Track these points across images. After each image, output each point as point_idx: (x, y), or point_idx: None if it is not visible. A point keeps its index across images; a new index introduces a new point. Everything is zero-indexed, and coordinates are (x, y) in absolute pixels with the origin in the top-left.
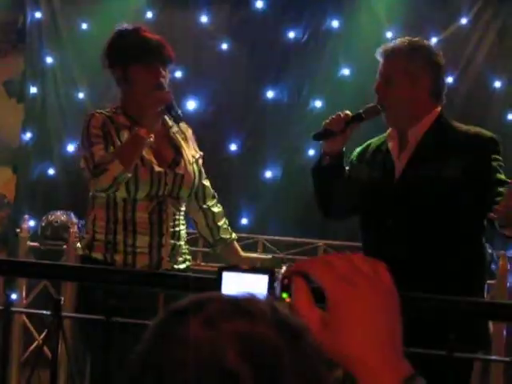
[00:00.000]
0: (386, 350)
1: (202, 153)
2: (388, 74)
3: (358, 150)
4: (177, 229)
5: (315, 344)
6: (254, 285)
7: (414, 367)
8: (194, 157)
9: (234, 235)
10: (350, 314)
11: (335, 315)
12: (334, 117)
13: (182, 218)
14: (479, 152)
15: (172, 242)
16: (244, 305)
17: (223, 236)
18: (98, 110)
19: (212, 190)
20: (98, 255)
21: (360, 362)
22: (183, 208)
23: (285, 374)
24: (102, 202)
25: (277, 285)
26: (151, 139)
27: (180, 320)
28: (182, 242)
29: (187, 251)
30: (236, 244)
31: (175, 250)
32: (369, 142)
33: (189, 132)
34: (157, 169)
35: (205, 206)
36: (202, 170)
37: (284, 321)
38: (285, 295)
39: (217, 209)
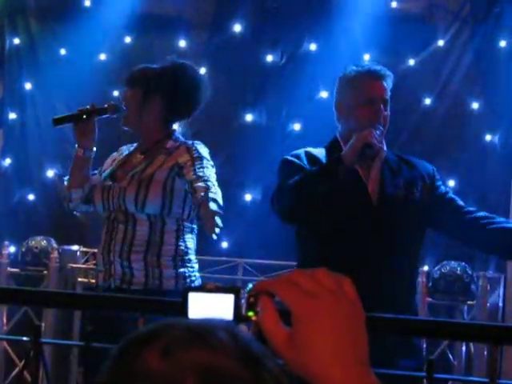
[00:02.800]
0: (351, 365)
1: (189, 158)
2: (386, 96)
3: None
4: (133, 246)
5: (277, 369)
6: (220, 304)
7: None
8: (159, 173)
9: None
10: (315, 330)
11: (300, 331)
12: None
13: (153, 238)
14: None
15: (119, 259)
16: (203, 333)
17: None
18: None
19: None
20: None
21: (325, 377)
22: (152, 226)
23: None
24: None
25: (243, 304)
26: (76, 152)
27: (137, 350)
28: (141, 263)
29: (166, 272)
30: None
31: (126, 268)
32: (306, 150)
33: (181, 150)
34: (107, 183)
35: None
36: (191, 176)
37: (245, 349)
38: (251, 313)
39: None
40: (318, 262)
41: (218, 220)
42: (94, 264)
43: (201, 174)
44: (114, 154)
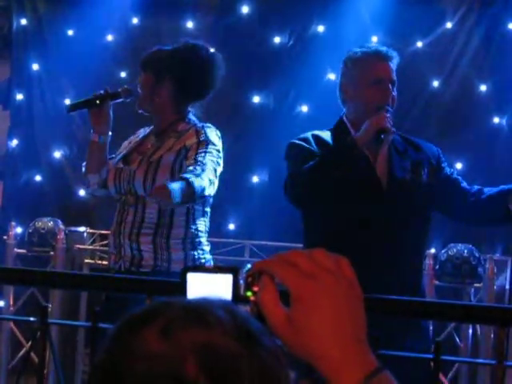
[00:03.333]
0: (350, 344)
1: (197, 141)
2: (393, 77)
3: (310, 138)
4: (142, 228)
5: (274, 347)
6: (219, 284)
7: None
8: (167, 156)
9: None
10: (314, 309)
11: (299, 311)
12: None
13: (165, 220)
14: None
15: (128, 241)
16: (201, 312)
17: None
18: None
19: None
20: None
21: (324, 357)
22: (149, 209)
23: (244, 382)
24: None
25: (241, 283)
26: (92, 137)
27: (136, 330)
28: (150, 245)
29: (174, 254)
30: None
31: (135, 251)
32: (313, 133)
33: (191, 132)
34: (120, 165)
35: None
36: (184, 164)
37: (243, 327)
38: (249, 293)
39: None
40: (328, 244)
41: (165, 193)
42: (107, 245)
43: (200, 158)
44: (132, 137)
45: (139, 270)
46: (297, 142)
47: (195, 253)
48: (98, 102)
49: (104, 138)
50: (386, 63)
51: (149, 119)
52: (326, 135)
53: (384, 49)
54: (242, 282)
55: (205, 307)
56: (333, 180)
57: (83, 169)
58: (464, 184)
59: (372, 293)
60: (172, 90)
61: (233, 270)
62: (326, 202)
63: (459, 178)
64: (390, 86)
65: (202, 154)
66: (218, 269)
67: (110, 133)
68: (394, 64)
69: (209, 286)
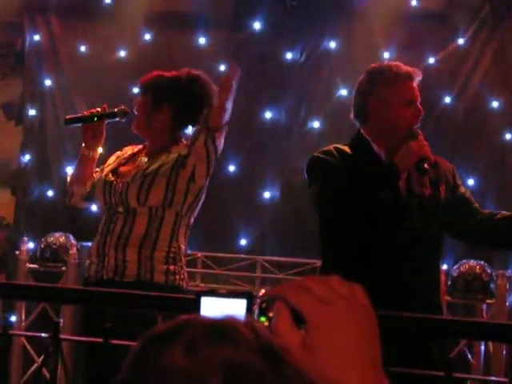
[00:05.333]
0: (365, 371)
1: (183, 153)
2: (418, 95)
3: (334, 152)
4: (130, 240)
5: (298, 366)
6: (233, 309)
7: None
8: (164, 166)
9: None
10: (330, 335)
11: (315, 337)
12: None
13: (150, 233)
14: None
15: (114, 252)
16: (225, 328)
17: None
18: None
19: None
20: None
21: (342, 382)
22: (151, 222)
23: None
24: None
25: (255, 309)
26: (81, 152)
27: (160, 347)
28: (135, 255)
29: (158, 266)
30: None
31: (120, 261)
32: (335, 146)
33: (185, 148)
34: (110, 178)
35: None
36: (181, 173)
37: (266, 344)
38: (263, 319)
39: None
40: (351, 260)
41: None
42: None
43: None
44: (118, 153)
45: (122, 280)
46: (321, 156)
47: (175, 267)
48: (95, 119)
49: (94, 153)
50: (412, 83)
51: (135, 138)
52: (346, 149)
53: (409, 69)
54: (256, 307)
55: (229, 324)
56: (378, 202)
57: (68, 179)
58: (476, 205)
59: (389, 310)
60: (169, 117)
61: (247, 295)
62: (358, 220)
63: (472, 198)
64: (419, 105)
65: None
66: (231, 293)
67: (101, 149)
68: (416, 82)
69: (222, 311)
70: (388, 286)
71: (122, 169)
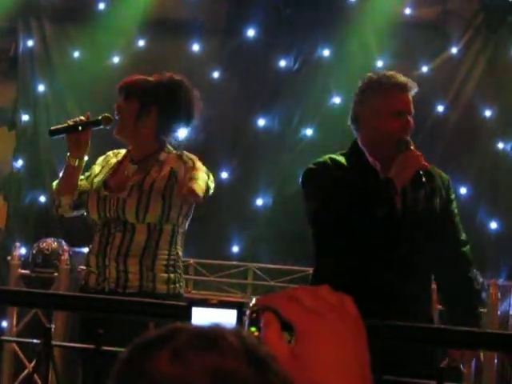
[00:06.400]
0: (355, 381)
1: (176, 167)
2: (412, 109)
3: (328, 163)
4: (130, 251)
5: (285, 374)
6: (223, 319)
7: None
8: (158, 182)
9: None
10: (319, 345)
11: (303, 347)
12: None
13: (149, 244)
14: None
15: (115, 263)
16: (212, 336)
17: None
18: None
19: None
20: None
21: None
22: (150, 235)
23: None
24: None
25: (245, 319)
26: (68, 161)
27: (147, 354)
28: (136, 266)
29: (159, 275)
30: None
31: (121, 272)
32: (330, 157)
33: (176, 159)
34: (103, 193)
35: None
36: (176, 187)
37: (253, 352)
38: (253, 329)
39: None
40: (343, 270)
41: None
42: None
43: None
44: (101, 159)
45: (125, 291)
46: (317, 168)
47: (175, 275)
48: (80, 128)
49: (80, 162)
50: (406, 94)
51: (116, 143)
52: (342, 159)
53: (405, 80)
54: (246, 317)
55: (216, 332)
56: (375, 219)
57: (54, 188)
58: (460, 237)
59: (383, 319)
60: (157, 120)
61: (237, 305)
62: (353, 234)
63: (458, 223)
64: (409, 118)
65: (194, 174)
66: (222, 304)
67: (86, 157)
68: (412, 94)
69: (213, 321)
70: (381, 295)
71: (112, 181)
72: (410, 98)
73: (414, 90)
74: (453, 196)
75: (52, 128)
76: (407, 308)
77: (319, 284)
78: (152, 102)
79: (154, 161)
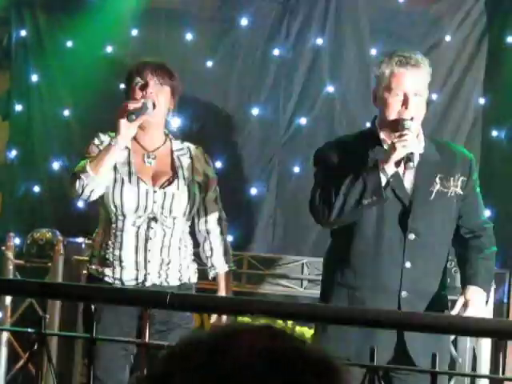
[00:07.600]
0: None
1: (213, 175)
2: (417, 85)
3: (333, 147)
4: (171, 246)
5: None
6: None
7: None
8: (194, 179)
9: (226, 267)
10: None
11: None
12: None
13: (183, 236)
14: None
15: (160, 258)
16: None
17: (215, 264)
18: None
19: (217, 215)
20: (93, 270)
21: None
22: (183, 227)
23: None
24: (101, 217)
25: None
26: (119, 145)
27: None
28: (178, 260)
29: (190, 269)
30: (223, 279)
31: (165, 267)
32: (340, 137)
33: (197, 154)
34: (144, 186)
35: (203, 228)
36: (211, 194)
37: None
38: None
39: (216, 235)
40: (355, 255)
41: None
42: (118, 259)
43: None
44: (96, 142)
45: (168, 284)
46: (320, 153)
47: (195, 265)
48: (149, 107)
49: (124, 148)
50: (406, 72)
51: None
52: (354, 140)
53: (407, 55)
54: None
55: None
56: (363, 207)
57: (87, 167)
58: (481, 217)
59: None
60: (169, 106)
61: None
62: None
63: (481, 205)
64: (409, 98)
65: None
66: None
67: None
68: (420, 71)
69: None
70: (392, 273)
71: (143, 175)
72: (416, 74)
73: (420, 69)
74: (474, 175)
75: (131, 109)
76: (417, 286)
77: (332, 262)
78: (177, 92)
79: (168, 150)
